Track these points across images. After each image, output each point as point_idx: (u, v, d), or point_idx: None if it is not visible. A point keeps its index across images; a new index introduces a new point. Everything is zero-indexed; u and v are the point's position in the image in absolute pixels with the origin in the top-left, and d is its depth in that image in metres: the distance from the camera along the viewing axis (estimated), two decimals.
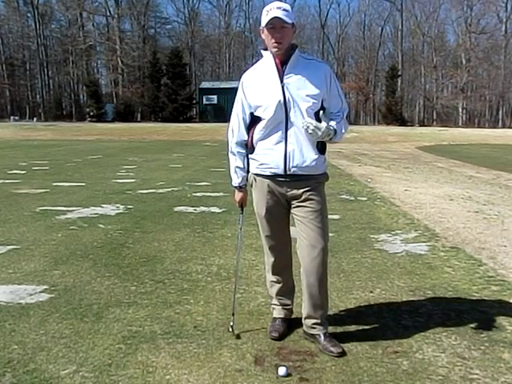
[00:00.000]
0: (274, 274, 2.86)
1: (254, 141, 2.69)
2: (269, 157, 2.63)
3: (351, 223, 5.73)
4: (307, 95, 2.55)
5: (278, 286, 2.86)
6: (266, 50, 2.62)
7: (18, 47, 67.01)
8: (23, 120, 54.38)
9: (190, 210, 6.52)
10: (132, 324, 2.92)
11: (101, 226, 5.52)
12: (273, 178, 2.66)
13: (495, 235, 5.27)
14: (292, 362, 2.48)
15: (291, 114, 2.57)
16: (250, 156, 2.75)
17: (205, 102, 56.06)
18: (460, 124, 56.91)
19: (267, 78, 2.60)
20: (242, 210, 2.91)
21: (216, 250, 4.54)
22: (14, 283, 3.62)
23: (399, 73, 57.93)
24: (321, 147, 2.64)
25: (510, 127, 52.11)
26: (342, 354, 2.54)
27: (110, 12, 66.65)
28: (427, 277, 3.82)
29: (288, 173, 2.61)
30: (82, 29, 65.10)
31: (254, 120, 2.68)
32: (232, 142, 2.78)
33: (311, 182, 2.64)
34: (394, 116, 54.25)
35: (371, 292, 3.47)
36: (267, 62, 2.62)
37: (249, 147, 2.74)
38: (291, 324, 2.86)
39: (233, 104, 2.76)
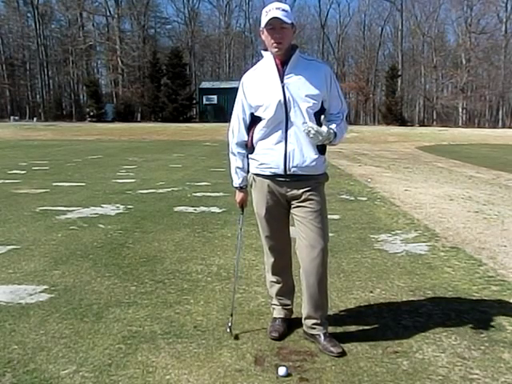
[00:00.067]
0: (273, 274, 2.86)
1: (254, 141, 2.69)
2: (269, 156, 2.63)
3: (351, 223, 5.73)
4: (307, 95, 2.55)
5: (278, 286, 2.86)
6: (266, 50, 2.63)
7: (18, 47, 67.01)
8: (23, 120, 54.38)
9: (190, 210, 6.52)
10: (132, 324, 2.92)
11: (101, 225, 5.52)
12: (273, 177, 2.66)
13: (495, 235, 5.27)
14: (292, 361, 2.48)
15: (291, 114, 2.57)
16: (249, 156, 2.75)
17: (205, 102, 56.07)
18: (460, 124, 56.91)
19: (267, 77, 2.60)
20: (243, 211, 2.91)
21: (216, 250, 4.54)
22: (14, 283, 3.62)
23: (399, 73, 57.93)
24: (321, 147, 2.64)
25: (510, 127, 52.10)
26: (342, 354, 2.54)
27: (110, 12, 66.73)
28: (427, 277, 3.82)
29: (288, 173, 2.61)
30: (81, 29, 65.10)
31: (254, 120, 2.68)
32: (232, 143, 2.78)
33: (311, 182, 2.64)
34: (394, 116, 54.26)
35: (371, 292, 3.47)
36: (267, 62, 2.62)
37: (249, 147, 2.74)
38: (291, 324, 2.86)
39: (233, 104, 2.77)
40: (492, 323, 2.97)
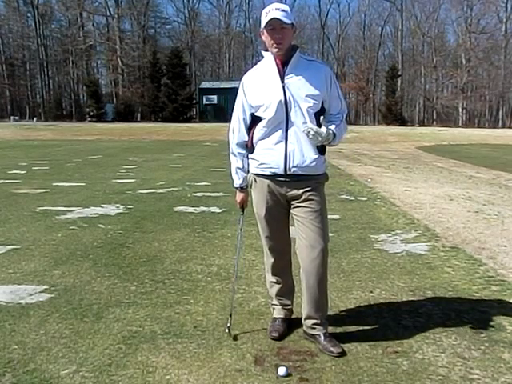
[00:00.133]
0: (273, 274, 2.86)
1: (254, 141, 2.69)
2: (269, 156, 2.63)
3: (351, 223, 5.73)
4: (307, 95, 2.56)
5: (278, 286, 2.86)
6: (266, 50, 2.63)
7: (18, 47, 67.02)
8: (23, 120, 54.38)
9: (190, 209, 6.52)
10: (132, 324, 2.92)
11: (101, 225, 5.52)
12: (273, 177, 2.66)
13: (495, 235, 5.27)
14: (292, 361, 2.48)
15: (292, 114, 2.57)
16: (249, 156, 2.75)
17: (205, 102, 56.08)
18: (460, 124, 56.92)
19: (268, 77, 2.61)
20: (243, 211, 2.91)
21: (216, 250, 4.54)
22: (14, 283, 3.62)
23: (399, 73, 57.94)
24: (321, 147, 2.64)
25: (510, 127, 52.11)
26: (342, 354, 2.54)
27: (110, 12, 66.74)
28: (427, 277, 3.82)
29: (288, 173, 2.62)
30: (82, 29, 65.11)
31: (255, 120, 2.68)
32: (233, 143, 2.78)
33: (311, 182, 2.64)
34: (394, 116, 54.26)
35: (371, 292, 3.47)
36: (268, 62, 2.63)
37: (249, 147, 2.74)
38: (291, 324, 2.86)
39: (233, 104, 2.77)
40: (492, 323, 2.97)
